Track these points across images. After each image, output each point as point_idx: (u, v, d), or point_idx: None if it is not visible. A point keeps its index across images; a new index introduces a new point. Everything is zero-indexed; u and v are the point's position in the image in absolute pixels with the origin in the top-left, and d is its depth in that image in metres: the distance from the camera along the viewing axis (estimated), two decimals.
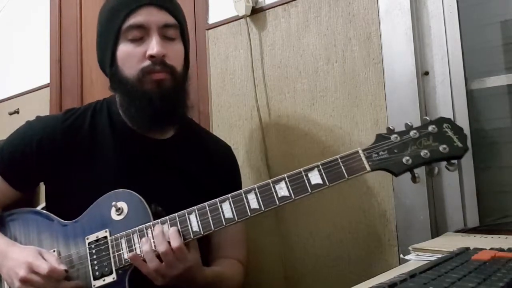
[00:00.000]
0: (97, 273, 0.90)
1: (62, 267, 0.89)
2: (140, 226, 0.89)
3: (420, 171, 0.84)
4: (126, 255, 0.89)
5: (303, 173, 0.84)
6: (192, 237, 0.87)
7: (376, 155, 0.83)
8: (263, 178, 1.30)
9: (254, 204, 0.85)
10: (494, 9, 1.10)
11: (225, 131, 1.42)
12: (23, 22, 2.25)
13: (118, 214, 0.92)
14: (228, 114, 1.43)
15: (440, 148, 0.81)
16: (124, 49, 0.98)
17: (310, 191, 0.83)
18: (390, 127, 0.85)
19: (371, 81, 1.17)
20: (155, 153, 1.04)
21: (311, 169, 0.84)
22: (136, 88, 0.97)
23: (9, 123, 2.04)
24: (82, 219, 0.96)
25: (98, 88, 1.90)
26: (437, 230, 1.08)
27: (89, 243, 0.92)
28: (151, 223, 0.89)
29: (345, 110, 1.21)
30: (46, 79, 2.07)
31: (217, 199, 0.87)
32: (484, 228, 1.04)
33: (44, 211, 1.01)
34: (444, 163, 0.83)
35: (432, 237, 1.05)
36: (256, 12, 1.37)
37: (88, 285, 0.90)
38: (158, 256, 0.85)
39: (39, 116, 1.07)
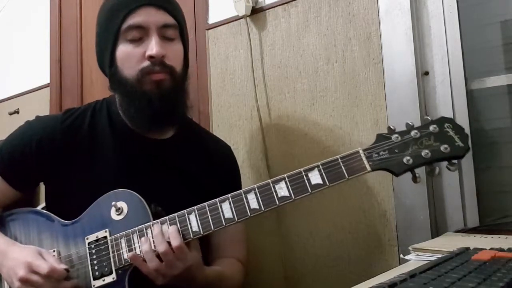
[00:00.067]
0: (96, 273, 0.90)
1: (63, 266, 0.89)
2: (140, 226, 0.89)
3: (421, 171, 0.84)
4: (126, 255, 0.89)
5: (303, 173, 0.84)
6: (192, 237, 0.87)
7: (376, 155, 0.83)
8: (263, 178, 1.30)
9: (254, 204, 0.84)
10: (494, 9, 1.10)
11: (225, 131, 1.42)
12: (23, 22, 2.25)
13: (118, 214, 0.92)
14: (228, 114, 1.43)
15: (442, 148, 0.81)
16: (123, 50, 0.98)
17: (310, 191, 0.83)
18: (391, 127, 0.84)
19: (371, 81, 1.17)
20: (154, 153, 1.04)
21: (311, 169, 0.84)
22: (136, 88, 0.97)
23: (9, 123, 2.04)
24: (82, 219, 0.96)
25: (98, 88, 1.90)
26: (437, 230, 1.08)
27: (89, 243, 0.92)
28: (150, 223, 0.89)
29: (345, 110, 1.21)
30: (46, 79, 2.07)
31: (216, 199, 0.87)
32: (484, 228, 1.04)
33: (44, 211, 1.01)
34: (445, 163, 0.83)
35: (432, 237, 1.04)
36: (256, 12, 1.37)
37: (88, 285, 0.90)
38: (158, 255, 0.85)
39: (39, 116, 1.07)
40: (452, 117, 1.07)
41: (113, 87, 1.03)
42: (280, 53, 1.33)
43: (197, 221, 0.87)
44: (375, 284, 0.52)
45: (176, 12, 1.01)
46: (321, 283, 1.22)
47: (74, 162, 1.00)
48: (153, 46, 0.95)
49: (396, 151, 0.83)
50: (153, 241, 0.86)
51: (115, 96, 1.05)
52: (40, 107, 2.04)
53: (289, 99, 1.31)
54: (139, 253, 0.87)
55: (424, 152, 0.81)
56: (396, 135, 0.83)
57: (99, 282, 0.90)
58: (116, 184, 0.95)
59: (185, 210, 0.88)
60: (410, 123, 0.84)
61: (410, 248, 0.81)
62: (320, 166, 0.83)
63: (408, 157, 0.82)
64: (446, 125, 0.83)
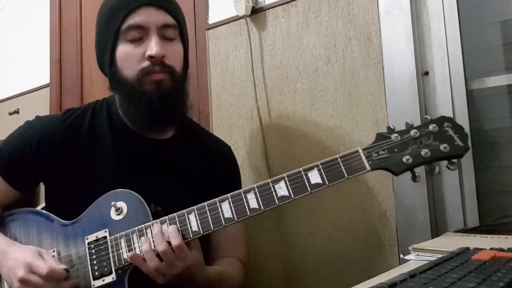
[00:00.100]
0: (96, 273, 0.90)
1: (62, 266, 0.89)
2: (139, 226, 0.89)
3: (420, 171, 0.84)
4: (125, 255, 0.89)
5: (302, 172, 0.84)
6: (191, 236, 0.87)
7: (376, 154, 0.83)
8: (263, 178, 1.29)
9: (253, 203, 0.84)
10: (494, 9, 1.10)
11: (225, 131, 1.42)
12: (23, 22, 2.25)
13: (118, 214, 0.92)
14: (228, 114, 1.43)
15: (441, 147, 0.81)
16: (123, 50, 0.98)
17: (309, 190, 0.83)
18: (391, 126, 0.84)
19: (371, 81, 1.17)
20: (154, 153, 1.04)
21: (311, 168, 0.84)
22: (136, 88, 0.97)
23: (9, 123, 2.04)
24: (82, 219, 0.96)
25: (98, 88, 1.90)
26: (437, 230, 1.08)
27: (88, 243, 0.92)
28: (150, 223, 0.89)
29: (345, 110, 1.21)
30: (46, 79, 2.07)
31: (216, 199, 0.87)
32: (484, 228, 1.04)
33: (44, 211, 1.01)
34: (444, 163, 0.83)
35: (432, 237, 1.04)
36: (256, 12, 1.37)
37: (87, 285, 0.90)
38: (158, 255, 0.85)
39: (39, 116, 1.07)
40: (452, 117, 1.07)
41: (113, 87, 1.03)
42: (280, 53, 1.33)
43: (196, 221, 0.87)
44: (375, 284, 0.52)
45: (176, 12, 1.01)
46: (321, 283, 1.22)
47: (74, 162, 1.00)
48: (153, 46, 0.95)
49: (395, 150, 0.82)
50: (153, 240, 0.86)
51: (115, 96, 1.05)
52: (40, 107, 2.04)
53: (289, 99, 1.31)
54: (138, 252, 0.87)
55: (424, 152, 0.81)
56: (396, 135, 0.83)
57: (99, 282, 0.90)
58: (115, 184, 0.95)
59: (184, 210, 0.88)
60: (410, 123, 0.84)
61: (410, 248, 0.81)
62: (320, 166, 0.83)
63: (408, 157, 0.81)
64: (445, 124, 0.83)
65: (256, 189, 0.85)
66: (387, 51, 1.14)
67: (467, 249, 0.69)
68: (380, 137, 0.84)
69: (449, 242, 0.88)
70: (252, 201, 0.84)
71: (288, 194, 0.83)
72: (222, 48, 1.45)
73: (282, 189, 0.84)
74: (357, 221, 1.17)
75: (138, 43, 0.97)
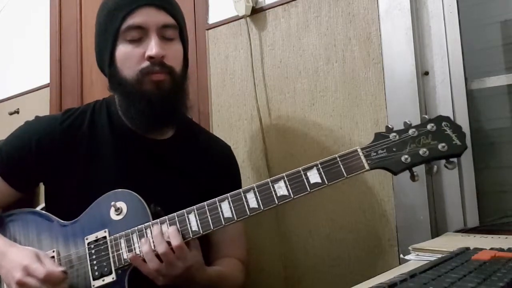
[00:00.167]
0: (96, 273, 0.90)
1: (60, 269, 0.87)
2: (139, 226, 0.89)
3: (420, 170, 0.84)
4: (125, 255, 0.89)
5: (302, 172, 0.84)
6: (191, 236, 0.87)
7: (375, 153, 0.83)
8: (263, 178, 1.27)
9: (253, 203, 0.84)
10: (494, 9, 1.09)
11: (225, 131, 1.42)
12: (23, 22, 2.25)
13: (117, 214, 0.92)
14: (228, 114, 1.43)
15: (439, 147, 0.81)
16: (123, 50, 0.98)
17: (309, 190, 0.83)
18: (389, 126, 0.85)
19: (371, 81, 1.17)
20: (154, 153, 1.04)
21: (310, 168, 0.84)
22: (135, 89, 0.97)
23: (9, 123, 2.04)
24: (82, 219, 0.96)
25: (98, 88, 1.90)
26: (437, 230, 1.08)
27: (88, 243, 0.92)
28: (150, 223, 0.89)
29: (345, 110, 1.20)
30: (46, 79, 2.08)
31: (216, 199, 0.87)
32: (484, 228, 1.04)
33: (44, 212, 1.01)
34: (443, 162, 0.83)
35: (432, 237, 1.04)
36: (256, 12, 1.37)
37: (87, 285, 0.90)
38: (158, 256, 0.85)
39: (38, 116, 1.07)
40: (452, 117, 1.07)
41: (112, 87, 1.03)
42: (280, 53, 1.33)
43: (196, 220, 0.87)
44: (375, 284, 0.52)
45: (175, 12, 1.01)
46: (321, 283, 1.22)
47: (73, 162, 1.00)
48: (152, 47, 0.95)
49: (394, 149, 0.83)
50: (153, 241, 0.86)
51: (115, 96, 1.05)
52: (40, 107, 2.04)
53: (289, 99, 1.31)
54: (138, 253, 0.87)
55: (422, 151, 0.81)
56: (394, 134, 0.84)
57: (99, 282, 0.89)
58: (115, 184, 0.95)
59: (184, 210, 0.88)
60: (408, 122, 0.85)
61: (410, 248, 0.81)
62: (319, 165, 0.84)
63: (406, 156, 0.82)
64: (443, 123, 0.83)
65: (255, 188, 0.85)
66: (387, 51, 1.14)
67: (467, 249, 0.69)
68: (378, 136, 0.85)
69: (449, 242, 0.88)
70: (252, 200, 0.85)
71: (287, 194, 0.83)
72: (222, 48, 1.45)
73: (281, 189, 0.84)
74: (357, 221, 1.17)
75: (137, 43, 0.97)
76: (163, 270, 0.85)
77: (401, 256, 0.92)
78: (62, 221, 0.97)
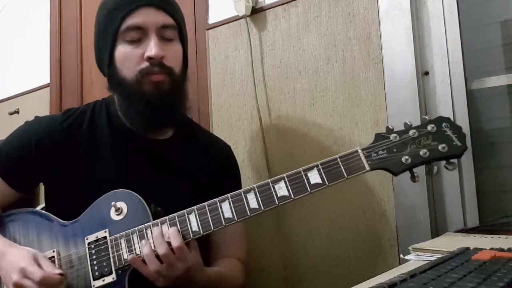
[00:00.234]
0: (96, 273, 0.90)
1: (57, 271, 0.87)
2: (139, 226, 0.89)
3: (420, 171, 0.84)
4: (125, 255, 0.89)
5: (302, 172, 0.84)
6: (191, 237, 0.87)
7: (375, 154, 0.83)
8: (263, 178, 1.29)
9: (253, 204, 0.84)
10: (494, 9, 1.10)
11: (225, 131, 1.42)
12: (23, 22, 2.25)
13: (118, 214, 0.92)
14: (228, 114, 1.43)
15: (439, 148, 0.81)
16: (122, 50, 0.97)
17: (309, 190, 0.83)
18: (389, 127, 0.85)
19: (371, 81, 1.17)
20: (154, 153, 1.04)
21: (311, 168, 0.84)
22: (135, 89, 0.97)
23: (9, 123, 2.04)
24: (82, 219, 0.96)
25: (98, 88, 1.90)
26: (437, 230, 1.08)
27: (88, 243, 0.92)
28: (150, 223, 0.89)
29: (345, 110, 1.21)
30: (46, 79, 2.07)
31: (216, 199, 0.87)
32: (484, 228, 1.04)
33: (44, 212, 1.01)
34: (443, 163, 0.83)
35: (432, 237, 1.04)
36: (256, 12, 1.37)
37: (87, 285, 0.90)
38: (158, 257, 0.85)
39: (38, 117, 1.07)
40: (452, 117, 1.07)
41: (112, 87, 1.03)
42: (280, 53, 1.33)
43: (197, 221, 0.87)
44: (375, 284, 0.52)
45: (175, 12, 1.01)
46: (321, 283, 1.22)
47: (73, 162, 1.00)
48: (152, 47, 0.95)
49: (394, 150, 0.83)
50: (153, 242, 0.86)
51: (114, 96, 1.05)
52: (40, 107, 2.04)
53: (289, 99, 1.31)
54: (139, 253, 0.87)
55: (423, 152, 0.81)
56: (395, 135, 0.84)
57: (99, 282, 0.89)
58: (115, 184, 0.95)
59: (184, 210, 0.88)
60: (408, 123, 0.85)
61: (410, 248, 0.81)
62: (319, 166, 0.84)
63: (407, 157, 0.82)
64: (444, 124, 0.83)
65: (256, 189, 0.85)
66: (387, 51, 1.14)
67: (467, 249, 0.69)
68: (379, 137, 0.85)
69: (449, 242, 0.88)
70: (252, 201, 0.85)
71: (288, 194, 0.83)
72: (222, 48, 1.45)
73: (282, 189, 0.84)
74: (357, 221, 1.17)
75: (137, 44, 0.97)
76: (163, 271, 0.85)
77: (401, 256, 0.92)
78: (62, 221, 0.97)
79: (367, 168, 0.82)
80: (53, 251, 0.94)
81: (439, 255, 0.69)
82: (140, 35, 0.96)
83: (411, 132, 0.83)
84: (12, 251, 0.93)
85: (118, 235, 0.90)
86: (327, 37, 1.24)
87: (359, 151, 0.84)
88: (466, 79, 1.09)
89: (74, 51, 2.00)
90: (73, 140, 1.01)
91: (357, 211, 1.17)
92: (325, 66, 1.24)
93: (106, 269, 0.90)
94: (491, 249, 0.66)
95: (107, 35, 0.98)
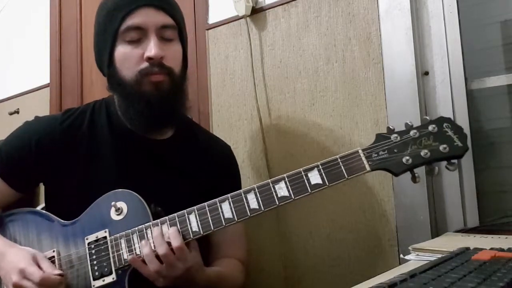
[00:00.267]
0: (96, 273, 0.90)
1: (56, 272, 0.87)
2: (139, 226, 0.89)
3: (420, 171, 0.84)
4: (125, 255, 0.89)
5: (302, 173, 0.84)
6: (191, 237, 0.87)
7: (376, 155, 0.83)
8: (263, 178, 1.29)
9: (253, 204, 0.84)
10: (494, 9, 1.10)
11: (225, 131, 1.42)
12: (23, 22, 2.25)
13: (118, 214, 0.92)
14: (228, 114, 1.43)
15: (441, 148, 0.81)
16: (122, 51, 0.97)
17: (310, 191, 0.83)
18: (390, 127, 0.85)
19: (371, 81, 1.17)
20: (154, 153, 1.04)
21: (311, 169, 0.84)
22: (134, 90, 0.97)
23: (9, 123, 2.04)
24: (82, 219, 0.96)
25: (98, 88, 1.90)
26: (437, 230, 1.08)
27: (88, 243, 0.92)
28: (150, 223, 0.89)
29: (345, 110, 1.21)
30: (46, 79, 2.07)
31: (216, 199, 0.87)
32: (484, 228, 1.04)
33: (44, 212, 1.01)
34: (444, 163, 0.83)
35: (432, 237, 1.04)
36: (256, 12, 1.37)
37: (87, 285, 0.90)
38: (158, 257, 0.85)
39: (38, 117, 1.07)
40: (452, 117, 1.07)
41: (111, 87, 1.03)
42: (280, 53, 1.33)
43: (197, 221, 0.87)
44: (375, 284, 0.52)
45: (174, 12, 1.01)
46: (321, 283, 1.22)
47: (73, 162, 1.00)
48: (151, 48, 0.95)
49: (395, 151, 0.83)
50: (153, 242, 0.86)
51: (114, 96, 1.05)
52: (40, 107, 2.04)
53: (289, 99, 1.31)
54: (139, 253, 0.87)
55: (423, 152, 0.81)
56: (395, 135, 0.83)
57: (99, 282, 0.89)
58: (115, 184, 0.95)
59: (185, 210, 0.88)
60: (409, 123, 0.84)
61: (410, 248, 0.81)
62: (320, 166, 0.83)
63: (408, 157, 0.82)
64: (445, 125, 0.83)
65: (256, 189, 0.85)
66: (387, 51, 1.14)
67: (467, 249, 0.69)
68: (379, 137, 0.84)
69: (449, 242, 0.88)
70: (252, 201, 0.85)
71: (288, 195, 0.83)
72: (222, 48, 1.45)
73: (282, 190, 0.84)
74: (357, 221, 1.17)
75: (136, 44, 0.97)
76: (163, 272, 0.85)
77: (401, 256, 0.92)
78: (62, 221, 0.97)
79: (368, 168, 0.82)
80: (53, 251, 0.94)
81: (439, 255, 0.69)
82: (139, 35, 0.96)
83: (412, 133, 0.83)
84: (12, 251, 0.93)
85: (118, 235, 0.90)
86: (327, 37, 1.24)
87: (360, 151, 0.83)
88: (466, 79, 1.09)
89: (74, 51, 2.00)
90: (73, 140, 1.01)
91: (357, 211, 1.17)
92: (325, 66, 1.24)
93: (106, 269, 0.90)
94: (491, 249, 0.66)
95: (107, 35, 0.98)
